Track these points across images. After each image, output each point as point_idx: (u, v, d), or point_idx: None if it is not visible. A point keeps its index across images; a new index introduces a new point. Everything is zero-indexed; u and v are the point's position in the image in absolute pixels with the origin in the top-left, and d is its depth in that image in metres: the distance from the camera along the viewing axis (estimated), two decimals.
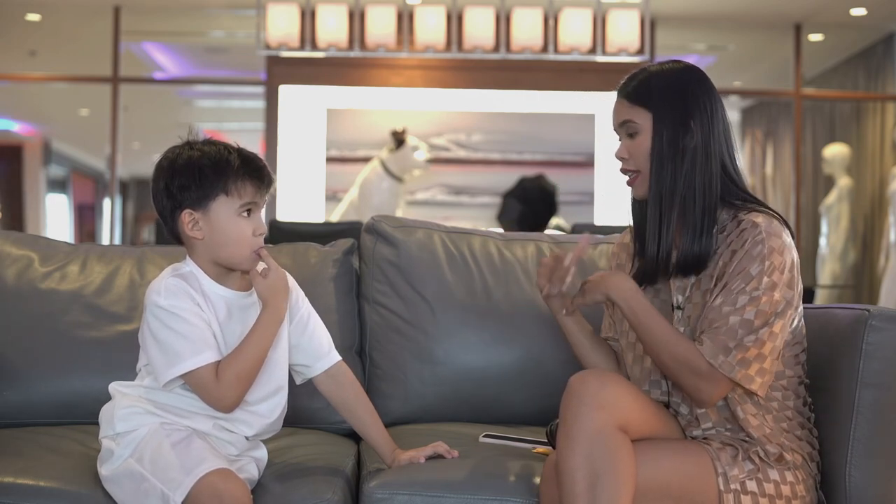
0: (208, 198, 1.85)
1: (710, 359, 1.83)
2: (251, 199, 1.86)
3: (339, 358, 2.03)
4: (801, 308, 1.95)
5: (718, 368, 1.83)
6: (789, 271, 1.87)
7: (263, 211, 1.96)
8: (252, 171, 1.87)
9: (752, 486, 1.83)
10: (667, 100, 1.95)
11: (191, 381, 1.83)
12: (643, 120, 1.96)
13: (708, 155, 1.94)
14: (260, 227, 1.89)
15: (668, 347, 1.88)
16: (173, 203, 1.86)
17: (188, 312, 1.83)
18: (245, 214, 1.87)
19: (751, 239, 1.86)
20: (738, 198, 1.96)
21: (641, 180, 1.98)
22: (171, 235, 1.92)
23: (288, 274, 2.02)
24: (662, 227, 1.94)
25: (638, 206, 2.05)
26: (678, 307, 1.97)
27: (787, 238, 1.89)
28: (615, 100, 2.02)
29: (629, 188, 2.02)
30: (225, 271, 1.92)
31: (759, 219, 1.89)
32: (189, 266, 1.91)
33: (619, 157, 2.00)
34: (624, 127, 1.99)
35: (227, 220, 1.86)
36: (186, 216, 1.86)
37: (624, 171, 2.01)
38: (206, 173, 1.84)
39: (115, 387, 1.93)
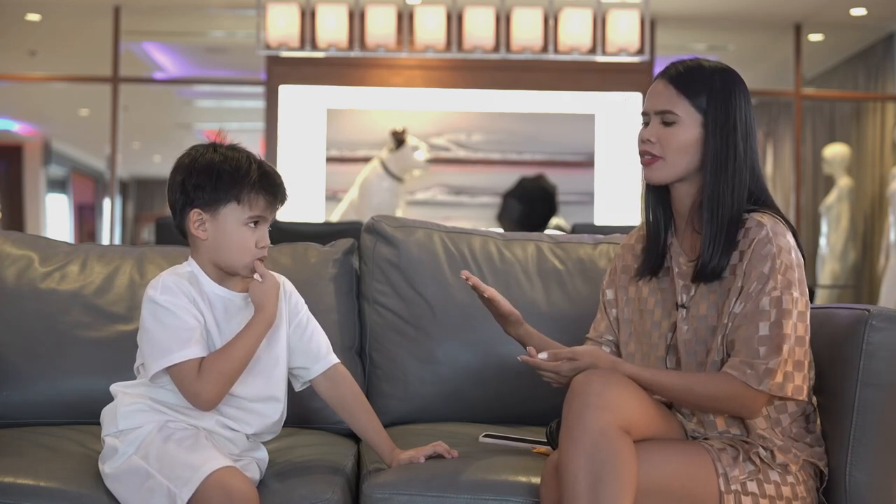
0: (220, 202, 1.87)
1: (758, 386, 1.82)
2: (261, 212, 1.89)
3: (337, 360, 2.04)
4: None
5: (769, 391, 1.82)
6: (799, 271, 1.87)
7: None
8: (268, 187, 1.90)
9: (752, 486, 1.83)
10: (718, 101, 1.93)
11: (174, 374, 1.84)
12: (686, 114, 1.94)
13: (746, 163, 1.94)
14: (263, 240, 1.91)
15: (698, 391, 1.87)
16: (185, 199, 1.89)
17: (180, 309, 1.85)
18: (252, 225, 1.89)
19: (757, 239, 1.86)
20: (761, 203, 1.95)
21: (661, 165, 1.96)
22: (176, 229, 1.95)
23: (286, 279, 2.03)
24: (714, 231, 1.91)
25: (654, 198, 2.04)
26: (682, 306, 1.97)
27: (791, 239, 1.89)
28: (656, 81, 1.98)
29: (644, 170, 1.99)
30: (225, 273, 1.93)
31: (764, 219, 1.89)
32: (191, 266, 1.93)
33: (645, 139, 1.97)
34: (661, 115, 1.95)
35: (233, 228, 1.88)
36: (195, 215, 1.88)
37: (645, 152, 1.98)
38: (222, 178, 1.87)
39: (116, 387, 1.94)
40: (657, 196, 2.04)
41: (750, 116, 1.96)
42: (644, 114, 2.00)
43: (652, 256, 2.05)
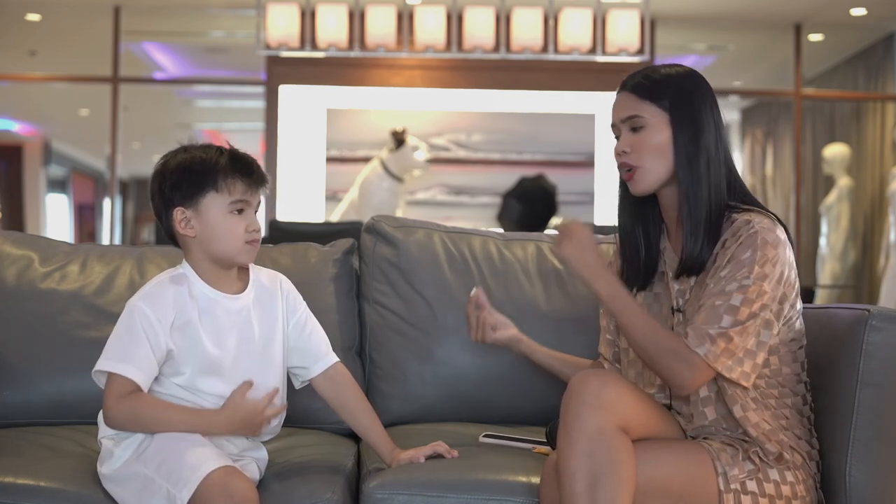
0: (198, 194, 1.87)
1: (695, 347, 1.83)
2: (241, 196, 1.88)
3: (337, 359, 2.04)
4: (799, 305, 1.95)
5: (704, 357, 1.82)
6: (782, 266, 1.87)
7: (263, 210, 1.97)
8: (241, 169, 1.89)
9: (752, 485, 1.83)
10: (682, 99, 1.95)
11: (106, 381, 1.85)
12: (651, 116, 1.95)
13: (719, 158, 1.95)
14: (252, 224, 1.90)
15: (646, 331, 1.87)
16: (166, 202, 1.90)
17: (144, 322, 1.85)
18: (236, 212, 1.89)
19: (745, 234, 1.87)
20: (740, 200, 1.96)
21: (641, 174, 1.97)
22: (167, 236, 1.95)
23: (284, 277, 2.04)
24: (695, 225, 1.92)
25: (629, 207, 2.05)
26: (678, 310, 1.97)
27: (782, 235, 1.89)
28: (618, 95, 2.00)
29: (627, 184, 2.00)
30: (219, 272, 1.92)
31: (753, 216, 1.89)
32: (183, 268, 1.93)
33: (619, 151, 1.98)
34: (628, 122, 1.97)
35: (217, 217, 1.88)
36: (178, 213, 1.89)
37: (623, 164, 1.99)
38: (195, 171, 1.88)
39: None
40: (632, 211, 2.05)
41: (716, 113, 1.97)
42: (613, 127, 2.01)
43: (636, 272, 2.05)
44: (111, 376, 1.83)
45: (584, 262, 1.93)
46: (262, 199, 1.96)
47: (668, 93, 1.95)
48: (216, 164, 1.88)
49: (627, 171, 1.98)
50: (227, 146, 1.93)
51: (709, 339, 1.83)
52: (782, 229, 1.91)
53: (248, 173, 1.90)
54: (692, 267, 1.94)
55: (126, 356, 1.83)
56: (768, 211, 1.94)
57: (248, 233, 1.89)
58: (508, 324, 2.22)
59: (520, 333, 2.23)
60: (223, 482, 1.73)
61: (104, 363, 1.85)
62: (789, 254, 1.90)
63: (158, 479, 1.76)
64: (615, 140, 2.01)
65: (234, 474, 1.76)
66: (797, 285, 1.92)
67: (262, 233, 1.96)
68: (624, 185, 2.04)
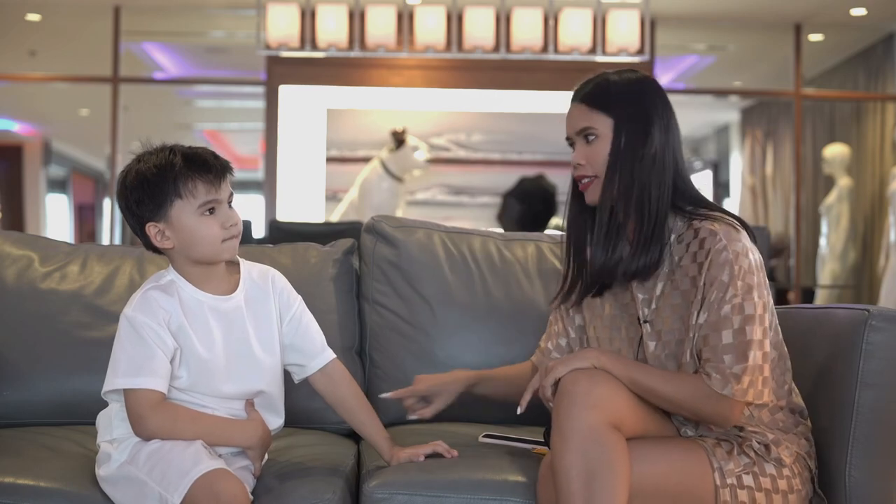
0: (164, 206, 1.83)
1: (721, 390, 1.82)
2: (206, 197, 1.83)
3: (334, 356, 2.03)
4: (772, 304, 1.94)
5: (733, 396, 1.82)
6: (758, 272, 1.87)
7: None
8: (198, 169, 1.83)
9: (748, 480, 1.83)
10: (627, 106, 1.95)
11: (126, 396, 1.83)
12: (602, 125, 1.95)
13: (664, 165, 1.94)
14: (229, 220, 1.85)
15: (677, 394, 1.85)
16: (137, 220, 1.86)
17: (148, 331, 1.83)
18: (208, 213, 1.84)
19: (713, 248, 1.86)
20: (690, 203, 1.95)
21: (597, 185, 1.97)
22: (150, 250, 1.92)
23: (277, 273, 2.02)
24: (611, 233, 1.94)
25: (578, 216, 2.05)
26: (646, 321, 1.97)
27: (747, 241, 1.89)
28: (571, 105, 2.01)
29: (584, 194, 1.99)
30: (207, 274, 1.90)
31: (716, 226, 1.88)
32: (171, 274, 1.91)
33: (576, 163, 1.99)
34: (582, 133, 1.97)
35: (190, 223, 1.84)
36: (152, 229, 1.85)
37: (579, 177, 1.99)
38: (153, 183, 1.82)
39: (110, 394, 1.92)
40: (585, 217, 2.04)
41: (666, 118, 1.96)
42: (567, 139, 2.02)
43: (587, 277, 2.05)
44: (133, 392, 1.81)
45: (575, 361, 1.85)
46: (232, 190, 1.89)
47: (614, 99, 1.96)
48: (172, 168, 1.82)
49: (585, 182, 1.98)
50: (181, 145, 1.87)
51: (733, 378, 1.82)
52: (745, 234, 1.90)
53: (206, 170, 1.83)
54: (622, 275, 1.94)
55: (142, 369, 1.81)
56: (730, 215, 1.94)
57: (226, 229, 1.85)
58: (446, 382, 2.17)
59: (469, 378, 2.18)
60: (212, 486, 1.72)
61: (122, 381, 1.82)
62: (758, 258, 1.90)
63: (151, 483, 1.76)
64: (571, 148, 2.01)
65: (224, 477, 1.74)
66: (768, 285, 1.92)
67: (240, 225, 1.90)
68: (574, 193, 2.03)
